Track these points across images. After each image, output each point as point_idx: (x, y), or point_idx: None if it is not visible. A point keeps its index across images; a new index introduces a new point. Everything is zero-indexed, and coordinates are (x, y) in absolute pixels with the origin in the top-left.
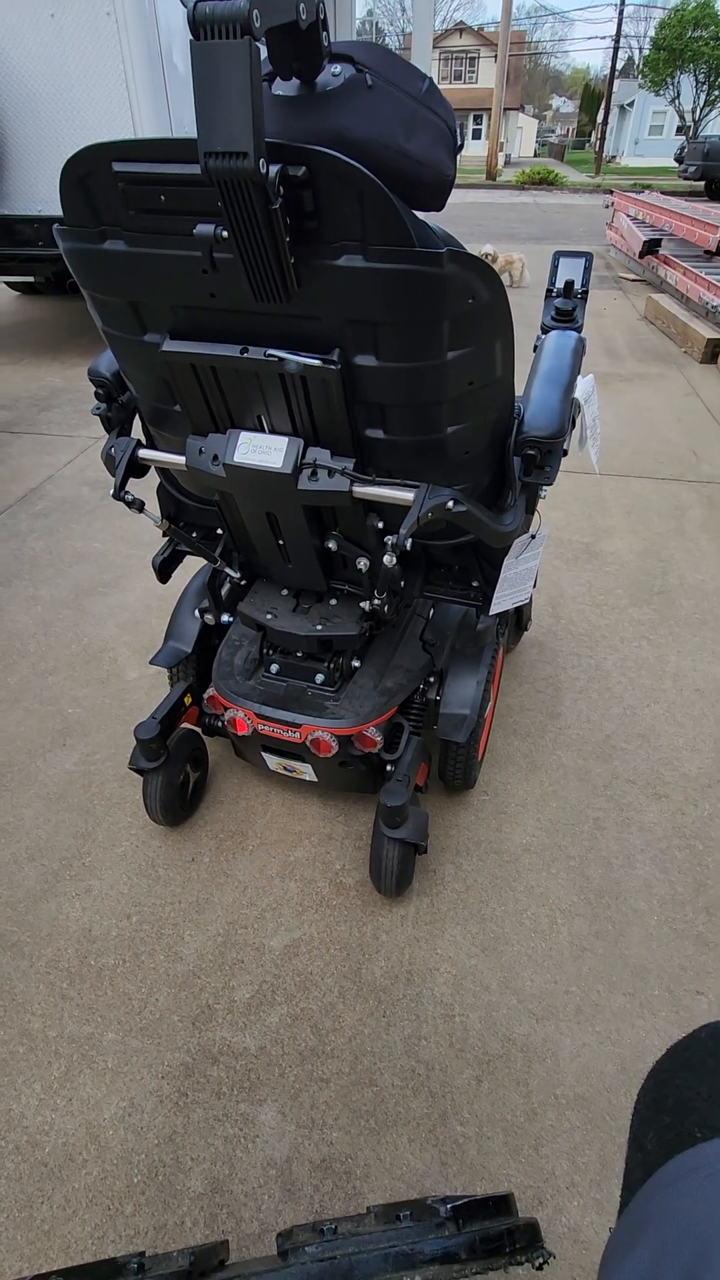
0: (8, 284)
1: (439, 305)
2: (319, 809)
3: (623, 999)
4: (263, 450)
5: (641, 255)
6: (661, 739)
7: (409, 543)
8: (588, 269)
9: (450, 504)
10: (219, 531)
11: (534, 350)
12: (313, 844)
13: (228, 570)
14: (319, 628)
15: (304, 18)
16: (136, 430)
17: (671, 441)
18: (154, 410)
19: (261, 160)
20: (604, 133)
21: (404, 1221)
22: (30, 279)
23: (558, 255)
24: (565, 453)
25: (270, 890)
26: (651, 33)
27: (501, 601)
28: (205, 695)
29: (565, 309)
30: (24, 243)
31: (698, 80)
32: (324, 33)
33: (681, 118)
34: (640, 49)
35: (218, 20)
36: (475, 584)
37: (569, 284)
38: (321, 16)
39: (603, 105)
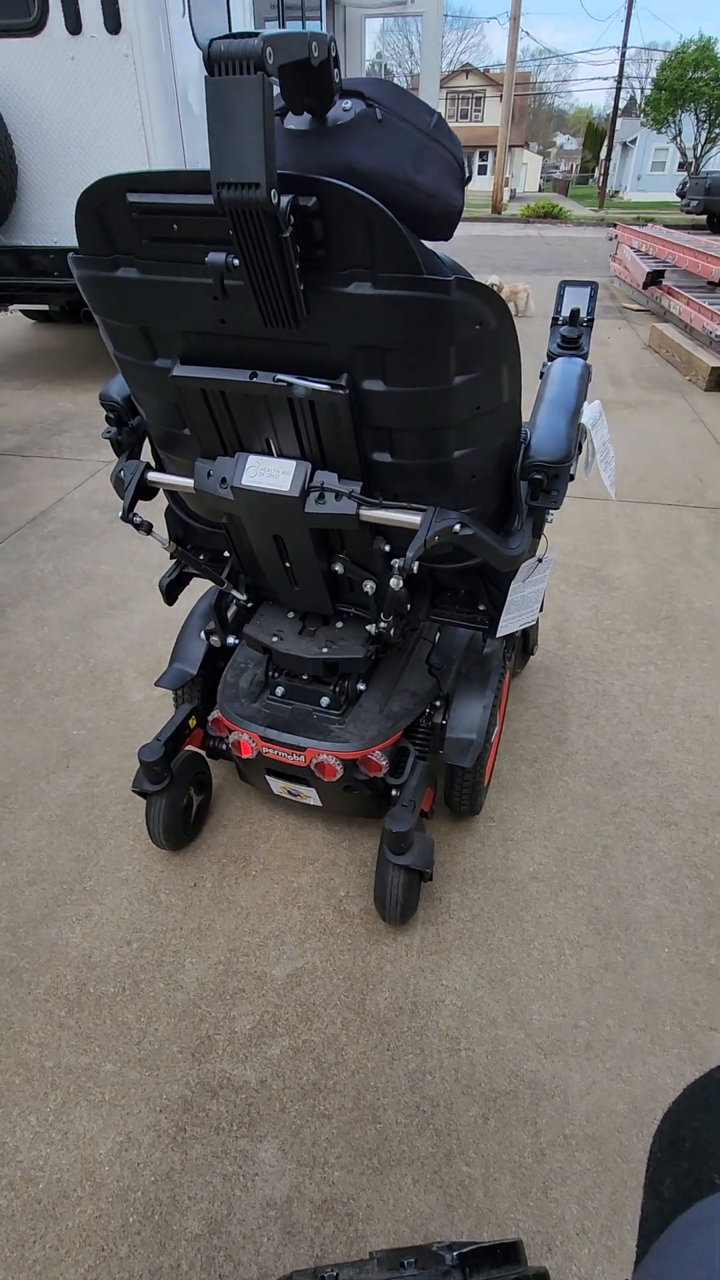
0: (23, 312)
1: (446, 331)
2: (323, 834)
3: (634, 1034)
4: (270, 473)
5: (645, 286)
6: (670, 766)
7: (415, 566)
8: (593, 297)
9: (457, 527)
10: (226, 554)
11: (540, 377)
12: (317, 870)
13: (234, 593)
14: (325, 650)
15: (316, 56)
16: (146, 454)
17: (677, 468)
18: (163, 434)
19: (273, 190)
20: (607, 169)
21: (408, 1269)
22: (45, 307)
23: (563, 285)
24: (572, 477)
25: (273, 917)
26: (653, 74)
27: (508, 624)
28: (210, 718)
29: (571, 336)
30: (40, 272)
31: (699, 119)
32: (335, 70)
33: (683, 154)
34: (642, 89)
35: (232, 57)
36: (481, 607)
37: (574, 312)
38: (333, 54)
39: (606, 143)
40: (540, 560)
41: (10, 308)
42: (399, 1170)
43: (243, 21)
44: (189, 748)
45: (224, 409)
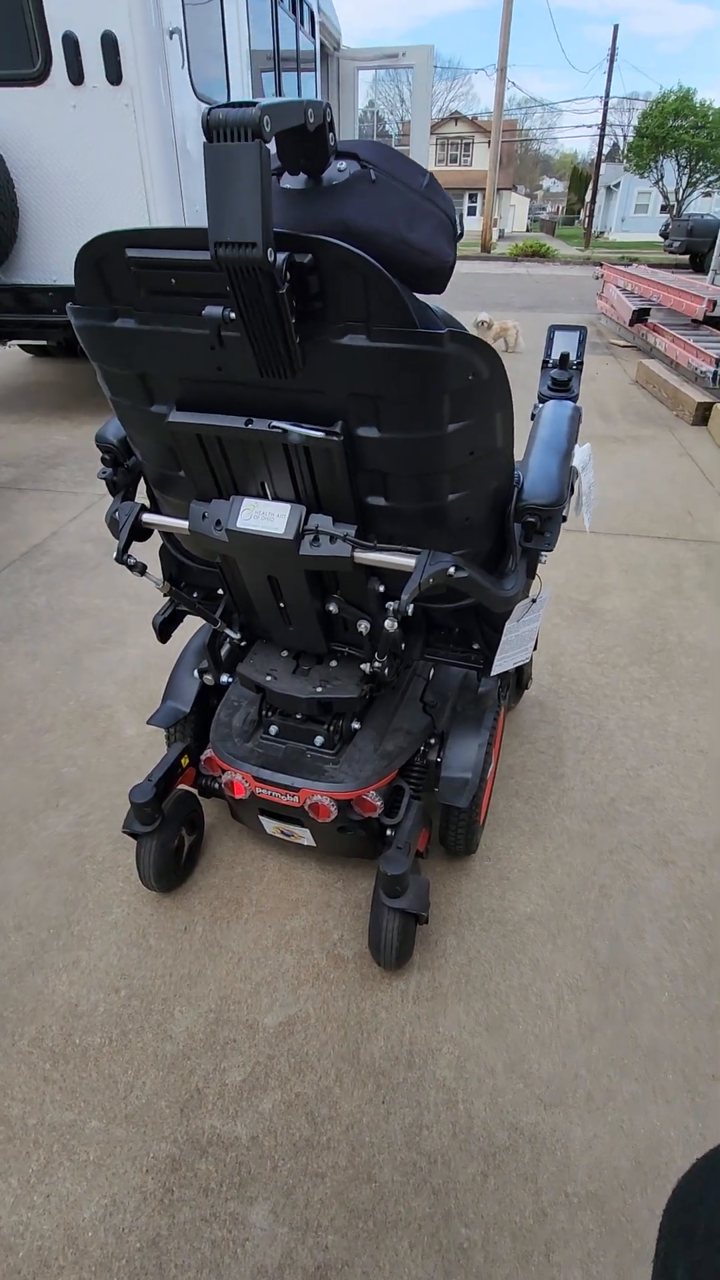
0: (21, 346)
1: (440, 382)
2: (317, 874)
3: (635, 1084)
4: (265, 516)
5: (631, 323)
6: (667, 802)
7: (410, 608)
8: (582, 342)
9: (452, 570)
10: (219, 592)
11: (531, 418)
12: (310, 912)
13: (228, 631)
14: (319, 690)
15: (312, 122)
16: (141, 494)
17: (666, 501)
18: (159, 475)
19: (270, 249)
20: (592, 211)
21: None
22: (43, 343)
23: (553, 329)
24: (565, 519)
25: (265, 962)
26: (635, 122)
27: (503, 663)
28: (203, 756)
29: (561, 379)
30: (38, 310)
31: (679, 164)
32: (330, 133)
33: (665, 197)
34: (625, 136)
35: (231, 125)
36: (476, 646)
37: (564, 356)
38: (328, 119)
39: (590, 186)
40: (534, 600)
41: (9, 343)
42: (395, 1233)
43: (240, 72)
44: (181, 786)
45: (219, 453)
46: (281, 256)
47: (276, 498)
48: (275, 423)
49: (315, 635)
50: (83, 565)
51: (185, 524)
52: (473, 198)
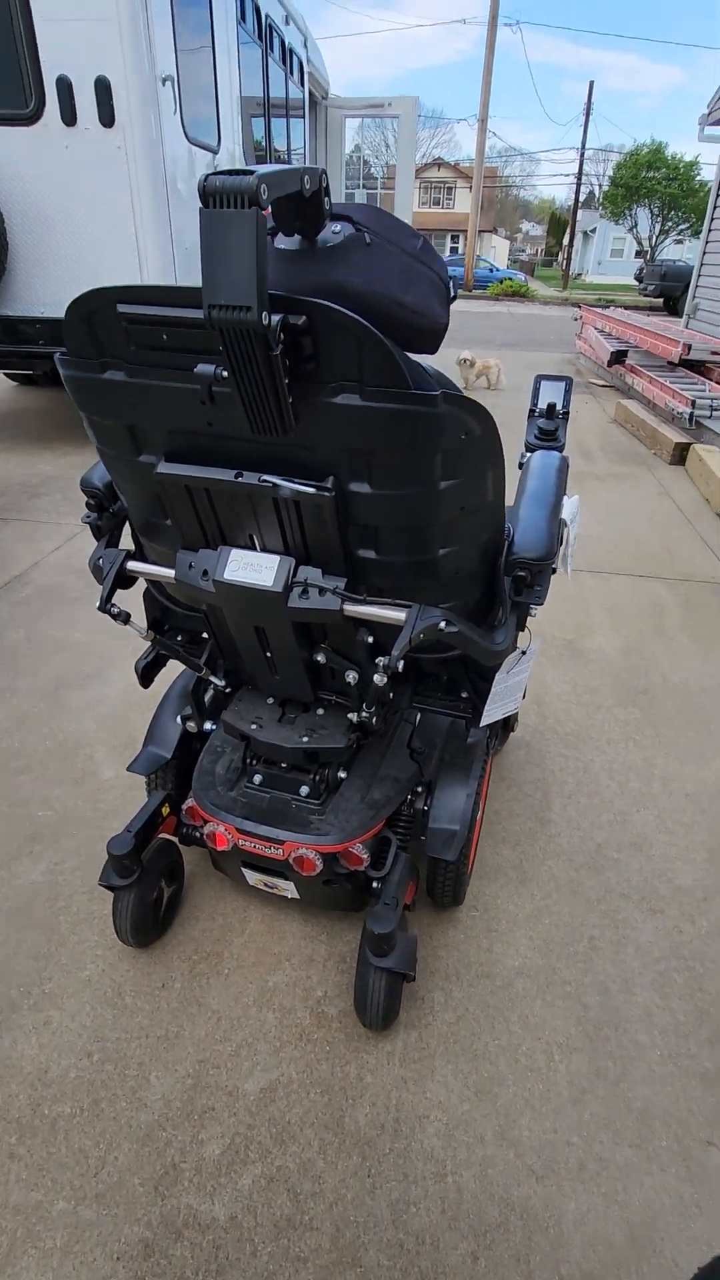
0: (6, 374)
1: (433, 441)
2: (300, 926)
3: (628, 1151)
4: (254, 568)
5: (610, 364)
6: (654, 848)
7: (400, 663)
8: (568, 392)
9: (442, 625)
10: (204, 636)
11: (519, 467)
12: (293, 967)
13: (213, 679)
14: (305, 740)
15: (308, 188)
16: (125, 538)
17: (646, 540)
18: (145, 523)
19: (265, 312)
20: (570, 254)
21: None
22: (29, 372)
23: (539, 379)
24: (554, 571)
25: (246, 1022)
26: (610, 172)
27: (492, 714)
28: (185, 805)
29: (548, 429)
30: (25, 340)
31: (652, 213)
32: (326, 198)
33: (639, 243)
34: (600, 185)
35: (227, 193)
36: (465, 695)
37: (551, 406)
38: (324, 185)
39: (568, 231)
40: (524, 652)
41: None
42: None
43: (230, 117)
44: (162, 835)
45: (208, 504)
46: (276, 318)
47: (265, 549)
48: (266, 477)
49: (302, 684)
50: (64, 597)
51: (171, 573)
52: (455, 238)
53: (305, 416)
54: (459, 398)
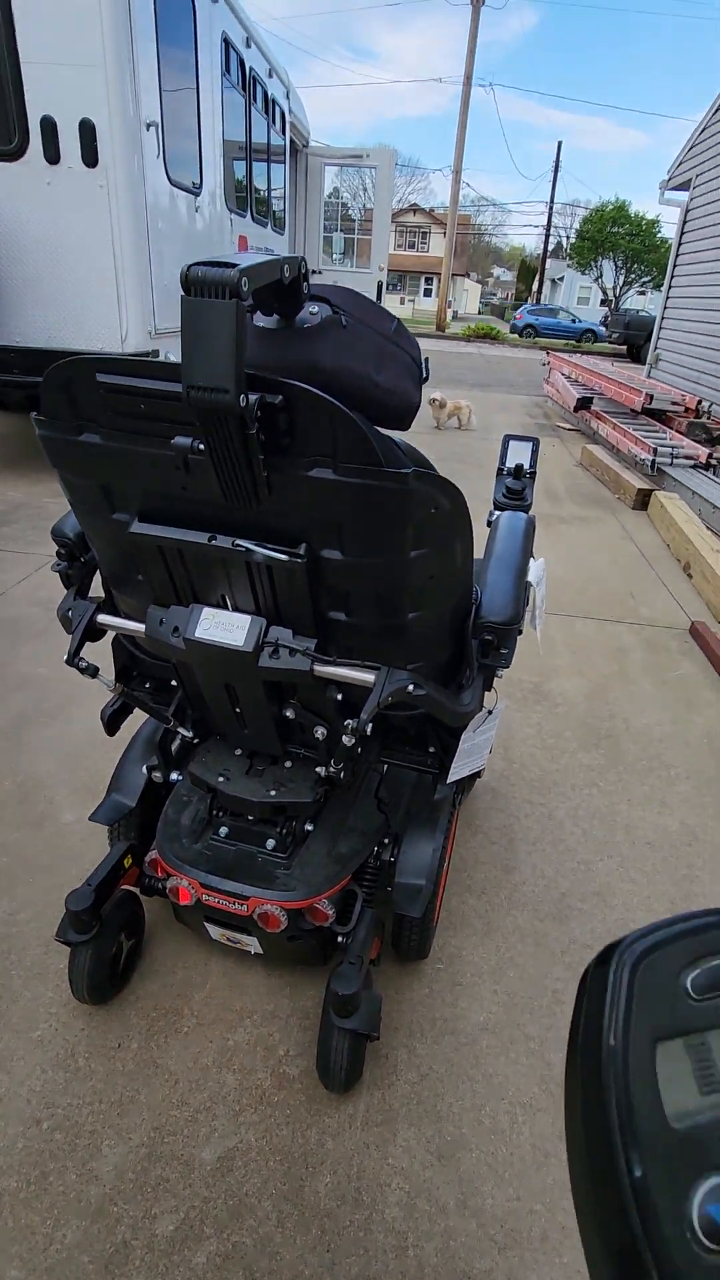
0: None
1: (404, 515)
2: (263, 980)
3: None
4: (225, 627)
5: (576, 409)
6: (616, 897)
7: (369, 727)
8: (534, 453)
9: (410, 688)
10: (173, 683)
11: (487, 524)
12: (254, 1024)
13: (181, 730)
14: (273, 793)
15: (287, 276)
16: (95, 586)
17: (610, 583)
18: (116, 575)
19: (242, 395)
20: (539, 299)
21: None
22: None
23: (507, 439)
24: (520, 632)
25: (205, 1084)
26: (577, 224)
27: (459, 770)
28: (148, 858)
29: (516, 489)
30: (1, 369)
31: (617, 265)
32: (305, 284)
33: (604, 292)
34: (567, 237)
35: (209, 284)
36: (432, 750)
37: (519, 466)
38: (303, 271)
39: (537, 279)
40: (490, 712)
41: None
42: None
43: (213, 159)
44: (123, 887)
45: (180, 564)
46: (253, 397)
47: (236, 608)
48: (239, 541)
49: (271, 738)
50: (28, 630)
51: (142, 627)
52: (429, 280)
53: (279, 487)
54: (429, 475)
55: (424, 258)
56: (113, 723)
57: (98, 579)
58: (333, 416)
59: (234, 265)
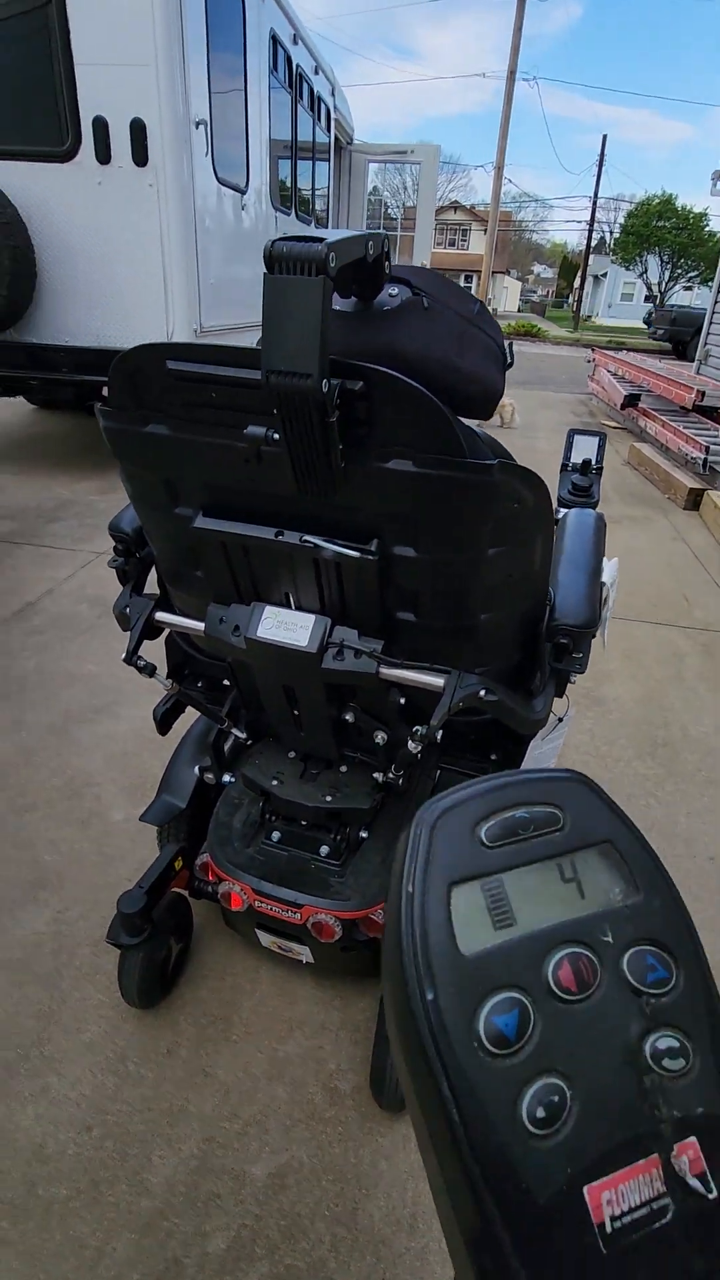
0: (26, 398)
1: (485, 509)
2: (313, 991)
3: None
4: (288, 627)
5: (623, 407)
6: None
7: (440, 733)
8: (601, 448)
9: (482, 693)
10: (225, 683)
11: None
12: (305, 1035)
13: (235, 731)
14: (328, 799)
15: (371, 254)
16: (151, 583)
17: (663, 586)
18: (174, 572)
19: (325, 380)
20: (580, 297)
21: None
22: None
23: (572, 434)
24: (594, 635)
25: (255, 1096)
26: (620, 219)
27: None
28: (199, 861)
29: (582, 485)
30: (49, 367)
31: (662, 260)
32: (386, 262)
33: (649, 288)
34: (611, 232)
35: (295, 259)
36: (494, 757)
37: (586, 462)
38: (385, 250)
39: (579, 275)
40: (560, 719)
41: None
42: None
43: (259, 157)
44: (172, 889)
45: (244, 560)
46: (334, 383)
47: (300, 607)
48: (307, 537)
49: (328, 742)
50: (76, 627)
51: (200, 626)
52: (469, 278)
53: (353, 479)
54: (513, 466)
55: (465, 255)
56: (165, 722)
57: (152, 575)
58: (416, 404)
59: (321, 239)
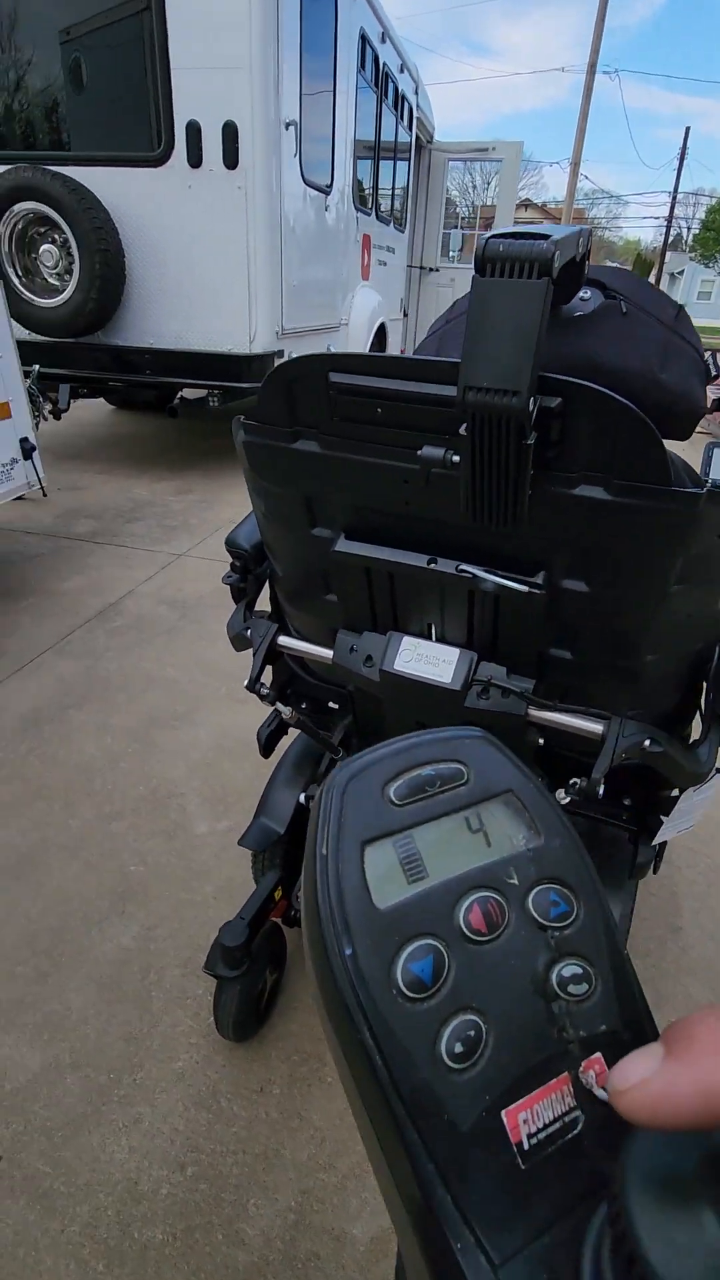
0: (106, 399)
1: (681, 543)
2: None
3: None
4: (429, 661)
5: (710, 411)
6: None
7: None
8: None
9: (647, 743)
10: (331, 705)
11: None
12: None
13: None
14: None
15: (580, 252)
16: (263, 600)
17: None
18: (298, 593)
19: (533, 398)
20: None
21: None
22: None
23: (710, 447)
24: None
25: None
26: (699, 215)
27: (669, 830)
28: (297, 891)
29: None
30: (133, 369)
31: None
32: (585, 262)
33: None
34: (689, 228)
35: (515, 259)
36: (627, 803)
37: None
38: (588, 249)
39: (655, 271)
40: (718, 770)
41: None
42: None
43: (344, 159)
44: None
45: (387, 588)
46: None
47: (442, 639)
48: (465, 566)
49: None
50: (156, 629)
51: (328, 653)
52: None
53: (534, 507)
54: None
55: None
56: (269, 744)
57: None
58: (619, 424)
59: (546, 236)
